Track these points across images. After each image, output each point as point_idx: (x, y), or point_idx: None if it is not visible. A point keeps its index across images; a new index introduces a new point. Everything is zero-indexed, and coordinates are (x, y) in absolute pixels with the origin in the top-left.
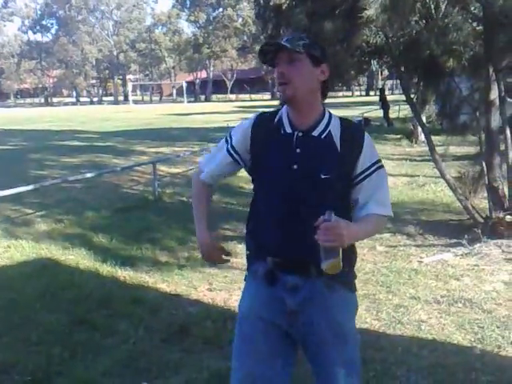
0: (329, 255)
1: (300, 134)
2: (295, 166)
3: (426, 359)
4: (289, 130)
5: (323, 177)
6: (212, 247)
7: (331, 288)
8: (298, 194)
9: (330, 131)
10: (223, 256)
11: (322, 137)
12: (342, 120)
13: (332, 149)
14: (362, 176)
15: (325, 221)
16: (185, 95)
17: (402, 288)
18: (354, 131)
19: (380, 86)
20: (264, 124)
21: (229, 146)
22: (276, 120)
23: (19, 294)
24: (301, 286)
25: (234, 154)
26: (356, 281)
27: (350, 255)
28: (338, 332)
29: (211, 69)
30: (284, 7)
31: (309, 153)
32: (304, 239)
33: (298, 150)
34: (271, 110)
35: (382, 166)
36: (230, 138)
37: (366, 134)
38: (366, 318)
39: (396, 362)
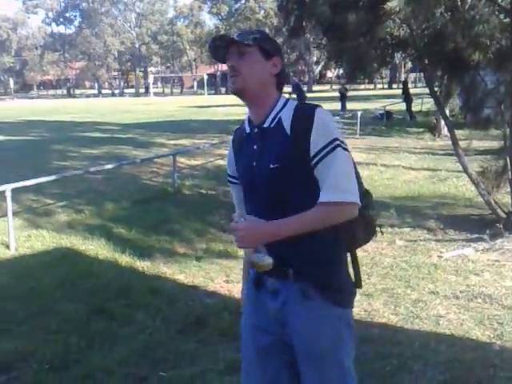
0: (252, 254)
1: (256, 130)
2: (254, 163)
3: (444, 354)
4: (248, 129)
5: (272, 166)
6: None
7: (305, 294)
8: (260, 191)
9: (279, 118)
10: None
11: (272, 125)
12: (299, 104)
13: (281, 135)
14: (317, 159)
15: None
16: (205, 87)
17: (421, 283)
18: (305, 110)
19: (403, 79)
20: (237, 135)
21: (228, 177)
22: (242, 128)
23: (39, 282)
24: (280, 290)
25: (231, 179)
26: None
27: (327, 259)
28: (309, 349)
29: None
30: None
31: (262, 146)
32: (277, 240)
33: (254, 147)
34: None
35: (338, 146)
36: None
37: (321, 109)
38: (383, 313)
39: (413, 357)
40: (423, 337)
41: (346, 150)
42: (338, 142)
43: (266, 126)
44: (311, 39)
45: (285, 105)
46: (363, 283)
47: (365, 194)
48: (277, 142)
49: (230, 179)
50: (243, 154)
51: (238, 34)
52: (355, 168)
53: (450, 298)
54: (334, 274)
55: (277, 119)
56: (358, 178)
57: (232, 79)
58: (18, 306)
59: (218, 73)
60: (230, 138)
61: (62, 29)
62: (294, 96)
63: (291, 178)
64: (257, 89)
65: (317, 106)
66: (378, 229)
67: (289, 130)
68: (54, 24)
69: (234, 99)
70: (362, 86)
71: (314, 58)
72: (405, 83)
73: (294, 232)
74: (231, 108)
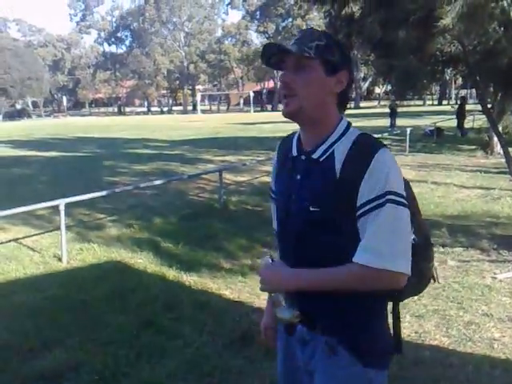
0: (274, 306)
1: (303, 158)
2: (293, 196)
3: (499, 379)
4: (295, 152)
5: (312, 209)
6: (265, 330)
7: (332, 349)
8: (294, 229)
9: (332, 152)
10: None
11: (321, 159)
12: (360, 136)
13: (329, 174)
14: (360, 211)
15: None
16: (251, 105)
17: (474, 304)
18: (364, 148)
19: (461, 95)
20: (282, 149)
21: (270, 191)
22: (290, 142)
23: (90, 295)
24: (307, 340)
25: (272, 194)
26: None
27: (357, 313)
28: None
29: (278, 79)
30: (356, 16)
31: (306, 180)
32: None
33: (298, 177)
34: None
35: (389, 201)
36: None
37: (384, 152)
38: (435, 335)
39: (466, 381)
40: (477, 360)
41: (401, 204)
42: (389, 197)
43: (315, 156)
44: (359, 56)
45: (343, 134)
46: (413, 304)
47: (428, 245)
48: (321, 181)
49: (271, 194)
50: (283, 177)
51: (297, 39)
52: (415, 221)
53: (505, 321)
54: (365, 331)
55: (329, 152)
56: (421, 229)
57: (285, 100)
58: (70, 318)
59: (264, 90)
60: (274, 152)
61: (113, 48)
62: None
63: (325, 227)
64: (314, 112)
65: (382, 145)
66: (434, 276)
67: (339, 170)
68: (105, 44)
69: (279, 116)
70: (412, 103)
71: (362, 75)
72: (464, 98)
73: (317, 287)
74: (277, 125)
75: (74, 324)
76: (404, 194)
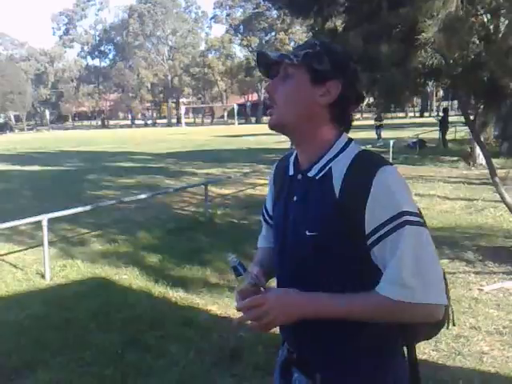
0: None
1: (299, 177)
2: (291, 218)
3: None
4: (291, 171)
5: (308, 234)
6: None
7: None
8: (291, 256)
9: (330, 169)
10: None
11: (317, 177)
12: (361, 152)
13: (327, 194)
14: (375, 237)
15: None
16: (236, 117)
17: (462, 317)
18: (365, 165)
19: (444, 107)
20: (280, 168)
21: (263, 211)
22: (287, 161)
23: (74, 313)
24: None
25: (266, 216)
26: None
27: (366, 362)
28: None
29: (262, 91)
30: (339, 30)
31: (303, 201)
32: (304, 324)
33: (295, 198)
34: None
35: (407, 222)
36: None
37: (387, 169)
38: (424, 349)
39: None
40: (467, 374)
41: (418, 224)
42: (406, 218)
43: (311, 174)
44: None
45: (343, 150)
46: None
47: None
48: (320, 200)
49: (265, 216)
50: (283, 200)
51: (293, 49)
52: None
53: (493, 334)
54: (372, 380)
55: (326, 169)
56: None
57: (268, 111)
58: (54, 337)
59: (248, 103)
60: (261, 166)
61: (96, 62)
62: None
63: (324, 253)
64: (297, 124)
65: (384, 162)
66: (450, 318)
67: (338, 189)
68: (89, 57)
69: (263, 128)
70: (394, 115)
71: None
72: (446, 110)
73: (340, 315)
74: (261, 137)
75: (57, 343)
76: (417, 211)
